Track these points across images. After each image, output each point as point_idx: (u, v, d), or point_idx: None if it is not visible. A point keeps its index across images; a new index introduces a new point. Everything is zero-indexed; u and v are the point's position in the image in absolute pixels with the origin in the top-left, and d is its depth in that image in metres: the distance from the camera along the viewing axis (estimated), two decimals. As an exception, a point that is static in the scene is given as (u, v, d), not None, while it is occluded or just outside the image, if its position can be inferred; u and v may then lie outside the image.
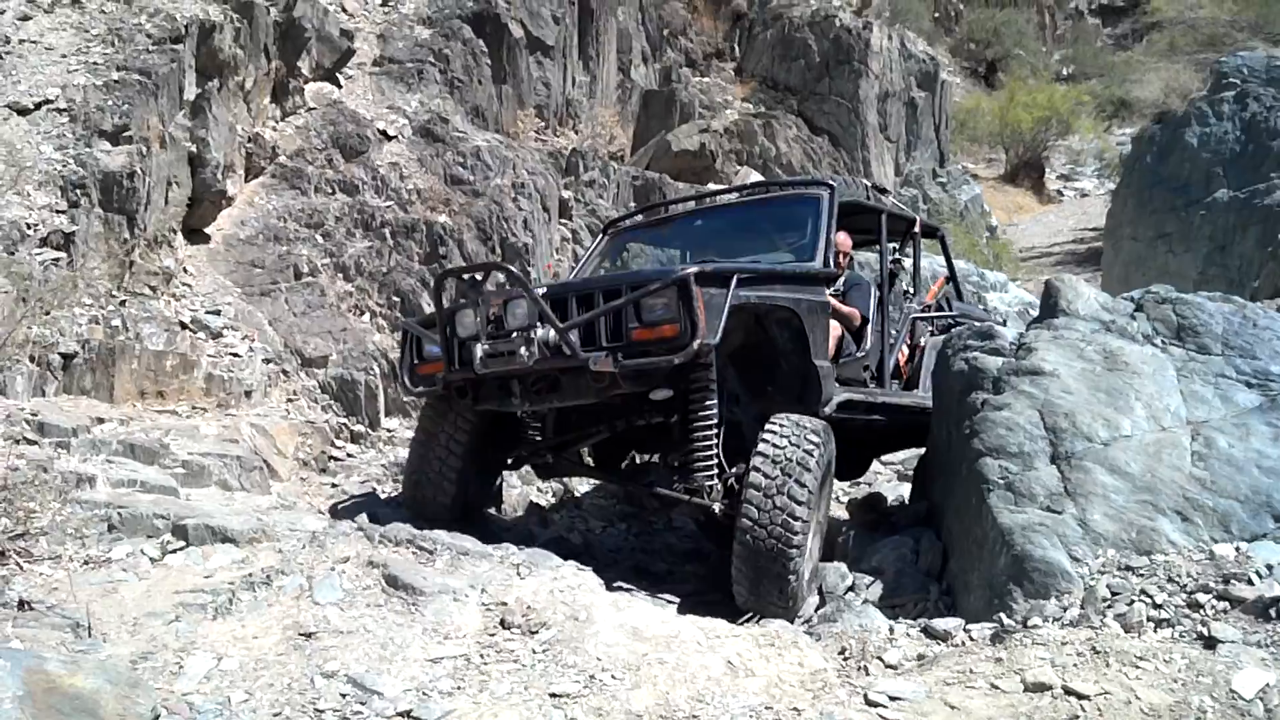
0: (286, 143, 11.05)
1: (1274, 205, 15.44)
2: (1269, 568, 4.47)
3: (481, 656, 4.07)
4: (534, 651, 4.07)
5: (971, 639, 4.53)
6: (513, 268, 6.16)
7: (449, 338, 5.84)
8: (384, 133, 11.80)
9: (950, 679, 3.97)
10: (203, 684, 3.88)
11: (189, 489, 6.40)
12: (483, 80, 14.05)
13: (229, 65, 10.38)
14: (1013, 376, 5.89)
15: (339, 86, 12.51)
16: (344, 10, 13.72)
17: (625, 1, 19.31)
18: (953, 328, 7.95)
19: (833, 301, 6.68)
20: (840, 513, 8.26)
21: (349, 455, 8.60)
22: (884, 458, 9.92)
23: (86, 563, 5.02)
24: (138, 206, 8.64)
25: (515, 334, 5.51)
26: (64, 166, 8.32)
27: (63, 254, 7.87)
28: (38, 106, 8.79)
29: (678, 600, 5.78)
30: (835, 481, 6.92)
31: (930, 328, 8.01)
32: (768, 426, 5.62)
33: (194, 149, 9.59)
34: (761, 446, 5.49)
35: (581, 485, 8.84)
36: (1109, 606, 4.53)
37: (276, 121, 11.37)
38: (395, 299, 10.05)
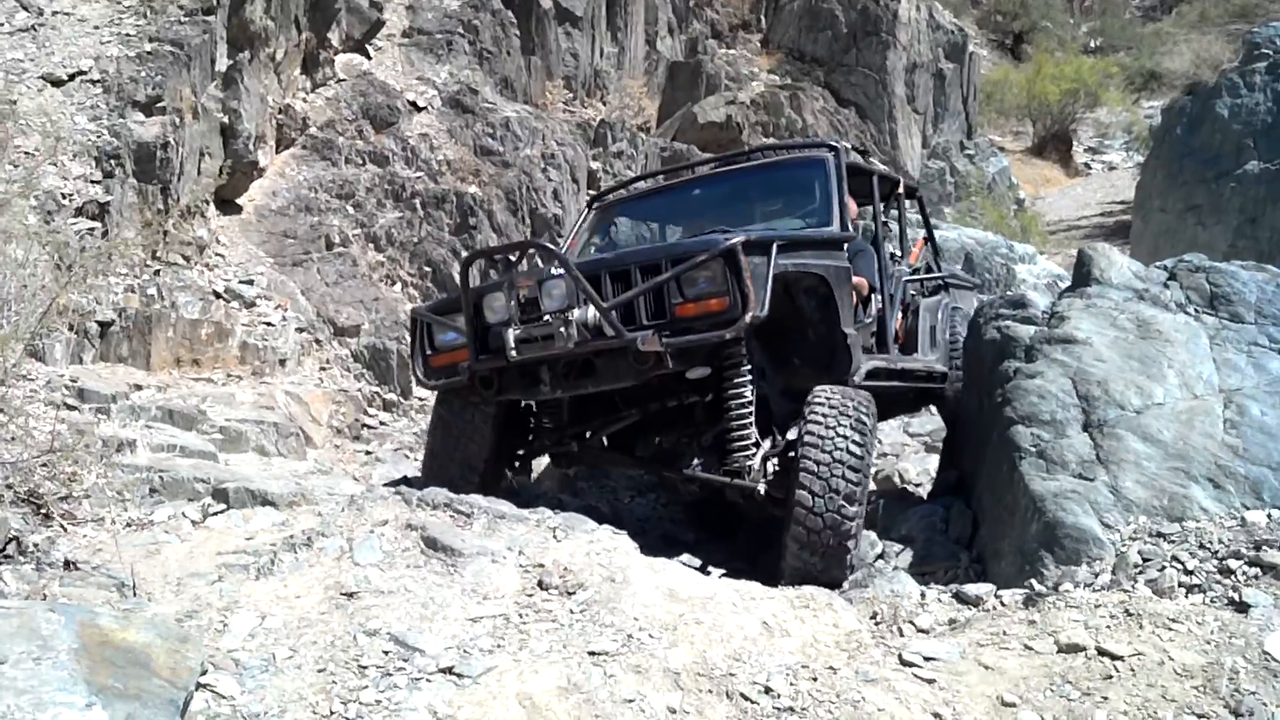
0: (317, 114, 11.12)
1: (1305, 177, 15.34)
2: (1300, 534, 4.49)
3: (520, 616, 4.11)
4: (571, 611, 4.12)
5: (1003, 604, 4.56)
6: (549, 245, 5.85)
7: (475, 324, 5.52)
8: (414, 104, 11.85)
9: (984, 640, 4.01)
10: (247, 641, 3.94)
11: (227, 454, 6.50)
12: (511, 51, 14.06)
13: (260, 37, 10.43)
14: (1045, 345, 5.91)
15: (369, 58, 12.56)
16: (374, -18, 13.77)
17: (652, -27, 19.26)
18: (941, 289, 7.89)
19: None
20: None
21: (382, 423, 8.70)
22: (911, 430, 9.95)
23: (129, 525, 5.11)
24: (171, 177, 8.73)
25: (551, 316, 5.21)
26: (98, 137, 8.40)
27: (98, 224, 7.95)
28: (71, 78, 8.87)
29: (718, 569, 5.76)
30: None
31: (917, 290, 7.77)
32: (814, 402, 5.33)
33: (226, 120, 9.68)
34: (811, 425, 5.20)
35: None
36: (1140, 572, 4.56)
37: (307, 93, 11.44)
38: (426, 269, 10.14)
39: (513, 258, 5.49)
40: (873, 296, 6.75)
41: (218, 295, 8.66)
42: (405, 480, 6.55)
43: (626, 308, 5.21)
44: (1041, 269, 14.03)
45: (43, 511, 4.91)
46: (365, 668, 3.75)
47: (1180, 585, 4.38)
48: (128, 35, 9.41)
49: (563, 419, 6.27)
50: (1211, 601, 4.19)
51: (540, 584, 4.36)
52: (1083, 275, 6.38)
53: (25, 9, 9.41)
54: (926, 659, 3.86)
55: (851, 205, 6.91)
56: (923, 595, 4.91)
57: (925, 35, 22.42)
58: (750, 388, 5.40)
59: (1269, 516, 4.72)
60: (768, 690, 3.56)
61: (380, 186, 10.53)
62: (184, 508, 5.30)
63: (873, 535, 6.19)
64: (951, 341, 7.61)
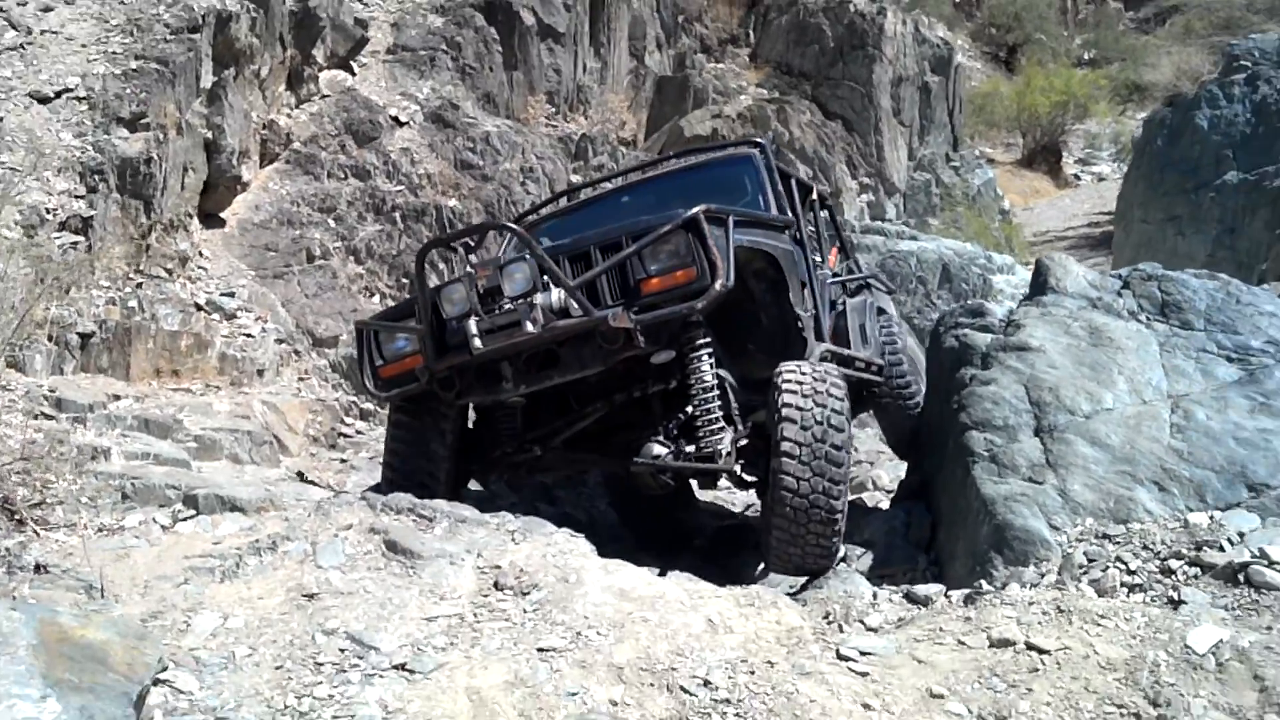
0: (300, 129, 11.27)
1: (1284, 188, 15.46)
2: (1240, 535, 4.59)
3: (475, 615, 4.23)
4: (525, 611, 4.23)
5: (951, 602, 4.68)
6: (510, 224, 5.60)
7: (431, 323, 5.28)
8: (396, 119, 12.01)
9: (920, 636, 4.13)
10: (209, 640, 4.07)
11: (201, 462, 6.63)
12: (494, 67, 14.22)
13: (245, 54, 10.60)
14: (1001, 352, 6.04)
15: (353, 74, 12.73)
16: (359, -1, 13.96)
17: (639, -12, 19.42)
18: (864, 289, 7.93)
19: None
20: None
21: (358, 432, 8.82)
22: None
23: (100, 530, 5.25)
24: (154, 192, 8.87)
25: (514, 302, 5.03)
26: (83, 153, 8.55)
27: (81, 238, 8.09)
28: (58, 95, 9.02)
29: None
30: None
31: (841, 291, 7.56)
32: (783, 379, 5.16)
33: (210, 136, 9.82)
34: (785, 407, 5.04)
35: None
36: (1085, 573, 4.67)
37: (291, 109, 11.59)
38: (404, 280, 10.27)
39: (472, 242, 5.34)
40: (805, 293, 6.56)
41: (199, 307, 8.79)
42: (376, 488, 6.64)
43: (589, 290, 5.06)
44: (1020, 279, 14.13)
45: (16, 517, 5.04)
46: (321, 664, 3.87)
47: (1122, 585, 4.49)
48: (114, 53, 9.57)
49: (518, 426, 5.95)
50: (1151, 601, 4.30)
51: (496, 585, 4.47)
52: (1040, 284, 6.52)
53: (14, 28, 9.56)
54: (863, 654, 3.97)
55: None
56: (874, 595, 5.02)
57: (911, 49, 22.55)
58: (713, 371, 5.26)
59: (1211, 518, 4.82)
60: (707, 683, 3.68)
61: (361, 200, 10.69)
62: (155, 514, 5.44)
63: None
64: (888, 341, 7.66)
